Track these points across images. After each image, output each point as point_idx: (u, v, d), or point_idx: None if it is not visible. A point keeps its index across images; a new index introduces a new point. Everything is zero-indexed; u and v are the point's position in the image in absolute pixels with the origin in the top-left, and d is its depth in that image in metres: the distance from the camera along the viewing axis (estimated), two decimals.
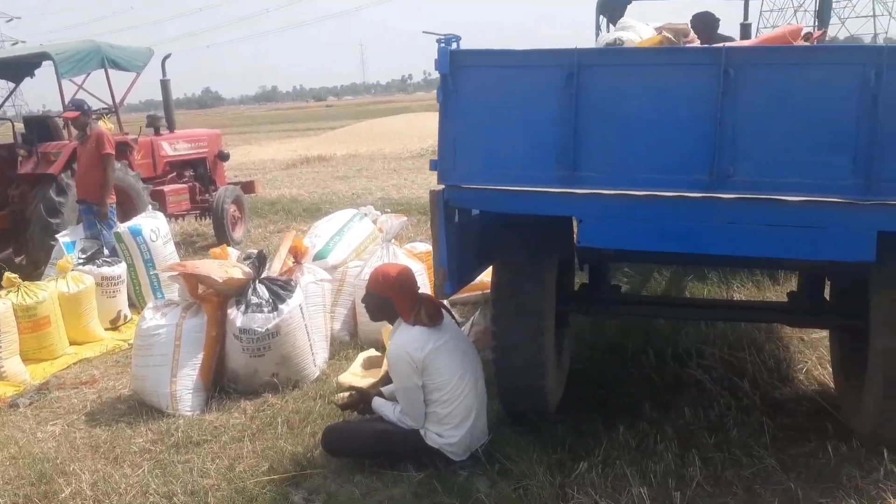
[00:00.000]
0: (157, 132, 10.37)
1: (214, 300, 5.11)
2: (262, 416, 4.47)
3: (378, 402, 3.88)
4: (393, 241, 6.14)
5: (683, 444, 3.80)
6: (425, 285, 5.70)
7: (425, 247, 6.48)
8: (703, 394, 4.38)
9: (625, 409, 4.25)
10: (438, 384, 3.55)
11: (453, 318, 3.92)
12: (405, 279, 3.78)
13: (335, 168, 20.53)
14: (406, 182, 16.06)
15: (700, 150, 3.19)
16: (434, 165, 3.61)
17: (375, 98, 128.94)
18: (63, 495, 3.72)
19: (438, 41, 3.43)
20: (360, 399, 4.04)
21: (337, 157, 23.60)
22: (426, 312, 3.62)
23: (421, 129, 26.85)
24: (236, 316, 4.95)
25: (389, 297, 3.72)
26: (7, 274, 6.18)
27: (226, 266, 5.30)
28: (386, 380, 4.25)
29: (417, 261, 6.03)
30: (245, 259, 5.56)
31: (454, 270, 3.60)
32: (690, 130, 3.22)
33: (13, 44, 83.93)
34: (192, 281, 5.15)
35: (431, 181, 13.72)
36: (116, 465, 4.03)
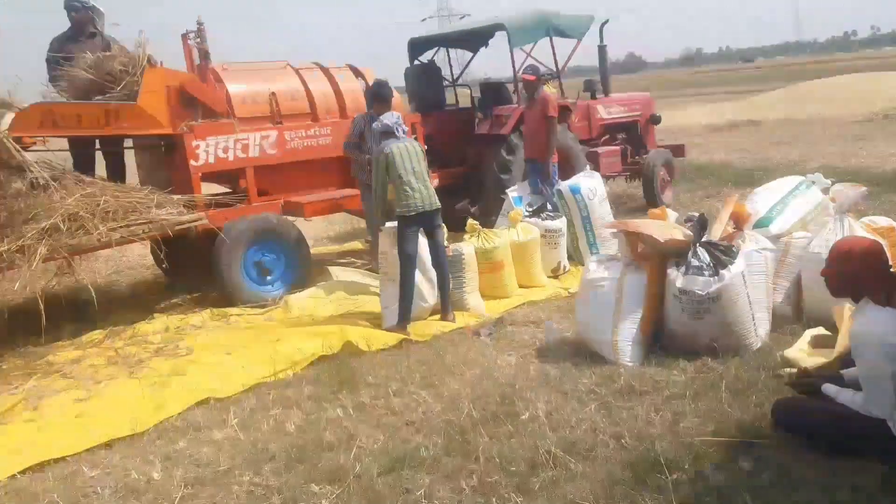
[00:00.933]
0: (593, 96, 10.86)
1: (655, 259, 5.26)
2: (703, 378, 4.51)
3: (831, 389, 3.63)
4: (847, 213, 5.62)
5: None
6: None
7: (887, 221, 5.83)
8: None
9: None
10: None
11: None
12: (875, 255, 3.48)
13: (767, 133, 19.31)
14: (852, 149, 14.45)
15: None
16: None
17: (812, 58, 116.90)
18: (523, 417, 4.22)
19: None
20: (808, 380, 3.85)
21: (769, 121, 22.15)
22: None
23: (870, 91, 23.78)
24: (676, 276, 5.03)
25: (857, 273, 3.45)
26: (471, 221, 7.12)
27: (666, 227, 5.41)
28: (841, 362, 3.97)
29: (879, 237, 5.43)
30: (685, 221, 5.60)
31: None
32: None
33: (461, 17, 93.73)
34: (634, 239, 5.36)
35: (885, 150, 12.23)
36: (566, 399, 4.43)
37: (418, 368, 5.18)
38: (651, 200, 10.43)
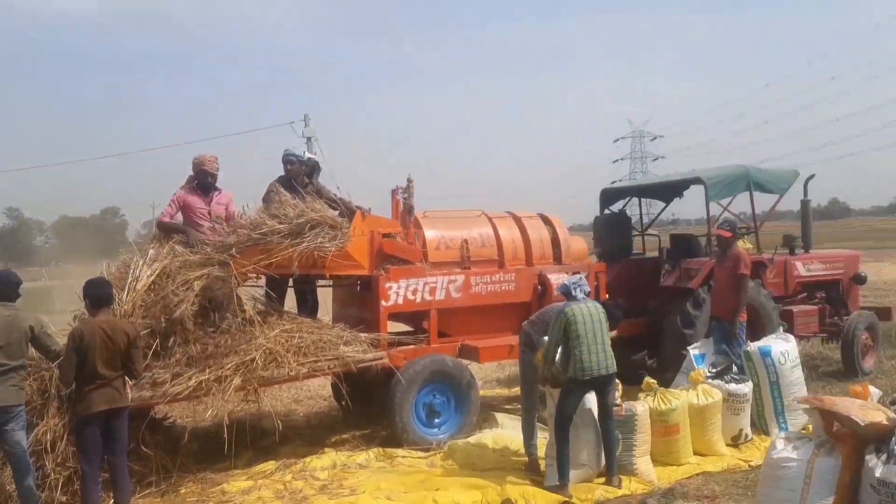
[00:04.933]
0: (791, 251, 10.32)
1: (851, 442, 4.74)
2: None
3: None
4: None
5: None
6: None
7: None
8: None
9: None
10: None
11: None
12: None
13: None
14: None
15: None
16: None
17: None
18: None
19: None
20: None
21: None
22: None
23: None
24: (876, 464, 4.49)
25: None
26: (647, 378, 6.85)
27: (868, 407, 4.89)
28: None
29: None
30: (890, 403, 5.05)
31: None
32: None
33: (654, 160, 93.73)
34: (829, 417, 4.89)
35: None
36: None
37: None
38: (850, 367, 9.54)
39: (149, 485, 6.25)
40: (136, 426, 6.03)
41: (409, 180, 8.14)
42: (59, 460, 5.77)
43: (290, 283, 7.89)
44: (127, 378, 5.56)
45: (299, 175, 8.06)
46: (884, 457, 4.50)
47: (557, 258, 8.68)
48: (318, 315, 8.02)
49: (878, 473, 4.44)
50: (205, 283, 6.63)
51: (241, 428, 6.36)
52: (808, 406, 5.16)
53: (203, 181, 7.64)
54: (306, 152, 8.36)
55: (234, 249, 6.87)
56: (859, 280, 10.56)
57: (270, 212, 7.18)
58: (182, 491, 6.29)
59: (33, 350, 5.77)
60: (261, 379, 6.42)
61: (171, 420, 7.34)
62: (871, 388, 5.25)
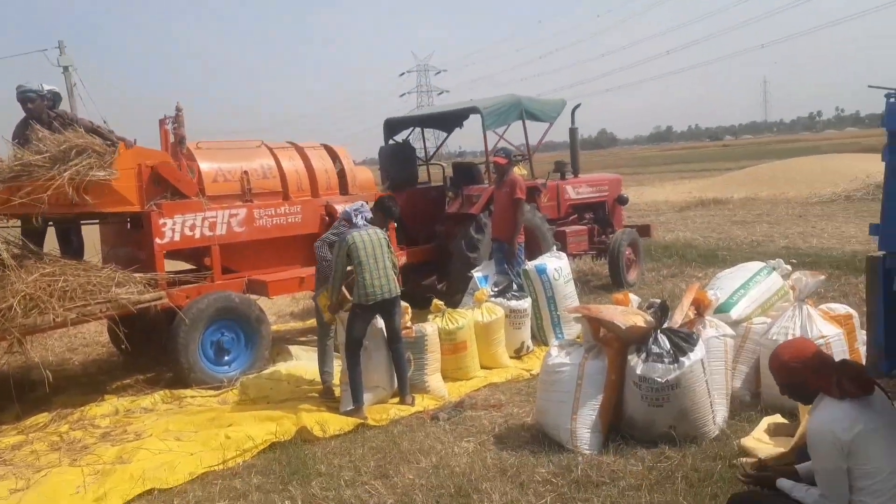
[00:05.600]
0: (562, 177, 11.02)
1: (616, 345, 5.23)
2: (660, 468, 4.43)
3: (786, 484, 3.56)
4: (806, 300, 5.66)
5: None
6: (843, 352, 5.18)
7: (844, 309, 5.85)
8: None
9: None
10: (867, 471, 3.16)
11: (885, 392, 3.46)
12: (809, 356, 3.44)
13: (732, 212, 19.66)
14: (814, 230, 14.72)
15: None
16: (874, 230, 3.26)
17: (778, 137, 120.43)
18: None
19: (888, 96, 3.11)
20: (764, 473, 3.78)
21: (734, 200, 22.58)
22: (850, 380, 3.27)
23: (832, 171, 24.35)
24: (637, 363, 5.00)
25: (802, 380, 3.44)
26: (435, 301, 7.08)
27: (628, 312, 5.39)
28: (797, 453, 3.92)
29: (835, 324, 5.48)
30: (647, 308, 5.60)
31: (893, 346, 3.20)
32: None
33: (439, 93, 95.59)
34: (596, 324, 5.35)
35: (846, 232, 12.52)
36: (522, 491, 4.32)
37: (373, 456, 5.05)
38: (616, 280, 10.49)
39: None
40: None
41: (179, 109, 7.64)
42: None
43: (49, 224, 7.18)
44: None
45: (42, 111, 7.26)
46: (643, 356, 5.01)
47: (344, 189, 8.62)
48: (85, 257, 7.39)
49: (638, 371, 4.95)
50: None
51: (3, 382, 5.74)
52: (577, 315, 5.59)
53: None
54: (43, 84, 7.49)
55: None
56: (622, 201, 11.53)
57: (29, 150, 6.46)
58: None
59: None
60: (22, 327, 5.84)
61: None
62: (631, 296, 5.80)
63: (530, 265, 7.96)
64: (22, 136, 6.91)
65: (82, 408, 6.43)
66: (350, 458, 5.03)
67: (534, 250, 8.98)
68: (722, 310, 5.90)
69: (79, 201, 6.45)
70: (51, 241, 7.29)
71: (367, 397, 6.01)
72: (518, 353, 7.43)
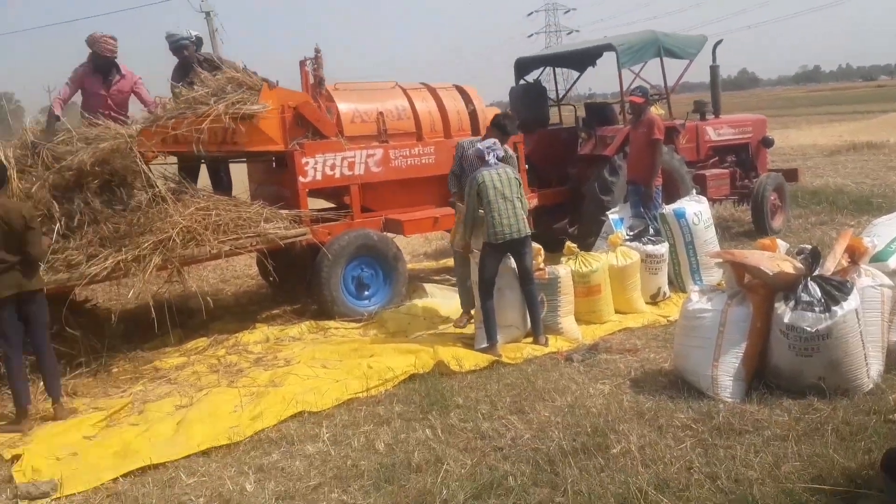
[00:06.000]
0: (702, 117, 10.54)
1: (761, 292, 5.03)
2: (808, 420, 4.27)
3: None
4: None
5: None
6: None
7: None
8: None
9: None
10: None
11: None
12: None
13: (888, 157, 18.21)
14: None
15: None
16: None
17: None
18: (614, 451, 4.11)
19: None
20: None
21: (890, 144, 20.89)
22: None
23: None
24: (784, 311, 4.79)
25: None
26: (568, 243, 7.04)
27: (776, 258, 5.17)
28: None
29: None
30: (797, 254, 5.35)
31: None
32: None
33: (568, 33, 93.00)
34: (740, 270, 5.15)
35: None
36: (661, 435, 4.29)
37: (508, 392, 5.15)
38: (760, 227, 10.03)
39: (78, 366, 6.14)
40: (56, 309, 5.83)
41: (317, 51, 7.82)
42: None
43: (202, 163, 7.62)
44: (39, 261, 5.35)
45: (193, 57, 7.63)
46: (791, 304, 4.80)
47: (475, 129, 8.62)
48: (234, 194, 7.81)
49: (786, 319, 4.74)
50: (101, 155, 6.28)
51: (168, 308, 6.24)
52: (720, 261, 5.41)
53: (97, 63, 7.15)
54: (190, 30, 7.83)
55: (141, 125, 6.59)
56: (767, 143, 10.94)
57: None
58: (114, 370, 6.23)
59: None
60: (181, 258, 6.28)
61: (92, 303, 7.14)
62: (779, 241, 5.54)
63: (668, 209, 7.72)
64: (183, 80, 7.28)
65: (236, 334, 6.90)
66: (486, 393, 5.15)
67: (672, 194, 8.70)
68: (879, 258, 5.56)
69: (232, 134, 6.80)
70: (202, 180, 7.74)
71: (500, 336, 6.10)
72: (654, 299, 7.28)
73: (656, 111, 9.30)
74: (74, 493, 4.09)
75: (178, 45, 7.58)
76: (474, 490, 3.75)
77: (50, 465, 4.40)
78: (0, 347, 5.27)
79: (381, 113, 7.91)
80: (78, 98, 7.38)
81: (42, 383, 5.39)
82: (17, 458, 4.57)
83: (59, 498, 4.07)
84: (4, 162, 5.72)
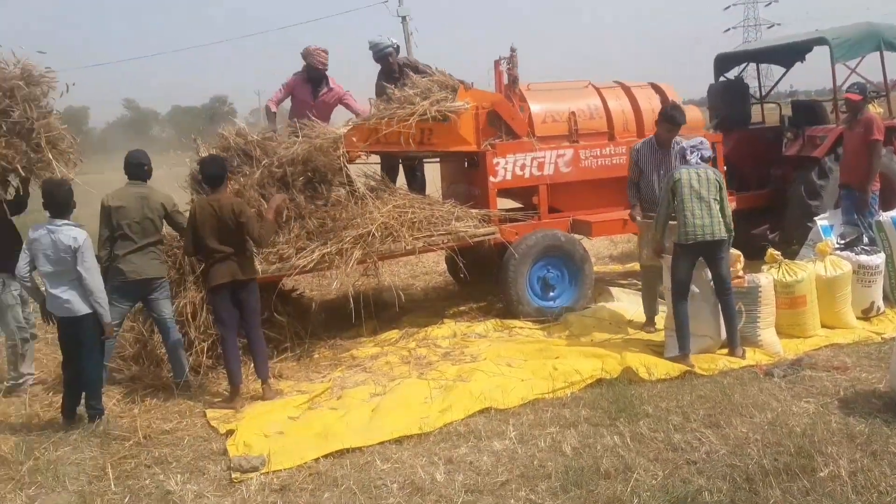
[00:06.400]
0: None
1: None
2: None
3: None
4: None
5: None
6: None
7: None
8: None
9: None
10: None
11: None
12: None
13: None
14: None
15: None
16: None
17: None
18: (821, 474, 3.83)
19: None
20: None
21: None
22: None
23: None
24: None
25: None
26: (771, 250, 6.62)
27: None
28: None
29: None
30: None
31: None
32: None
33: (769, 27, 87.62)
34: None
35: None
36: (875, 461, 3.95)
37: (702, 405, 4.94)
38: None
39: (284, 350, 6.63)
40: (267, 297, 6.33)
41: (513, 49, 7.91)
42: (200, 329, 6.19)
43: (399, 162, 7.96)
44: (254, 251, 5.81)
45: (395, 62, 7.96)
46: None
47: None
48: (427, 192, 8.08)
49: None
50: (310, 151, 6.70)
51: (363, 300, 6.58)
52: None
53: (310, 74, 7.67)
54: (389, 37, 8.17)
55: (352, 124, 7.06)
56: None
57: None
58: (315, 356, 6.67)
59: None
60: (379, 252, 6.58)
61: (298, 292, 7.69)
62: None
63: (885, 216, 7.08)
64: (389, 85, 7.62)
65: (426, 328, 7.13)
66: (678, 404, 4.98)
67: (890, 199, 7.97)
68: None
69: (430, 134, 7.08)
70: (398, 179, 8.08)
71: (693, 346, 5.86)
72: (866, 314, 6.68)
73: (874, 109, 8.52)
74: (280, 470, 4.40)
75: (382, 54, 7.95)
76: (667, 502, 3.64)
77: (259, 442, 4.75)
78: (217, 330, 5.84)
79: (572, 113, 7.86)
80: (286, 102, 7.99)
81: (252, 365, 5.86)
82: (230, 432, 4.99)
83: (267, 472, 4.38)
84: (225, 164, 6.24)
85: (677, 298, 5.88)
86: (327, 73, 7.88)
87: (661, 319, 6.63)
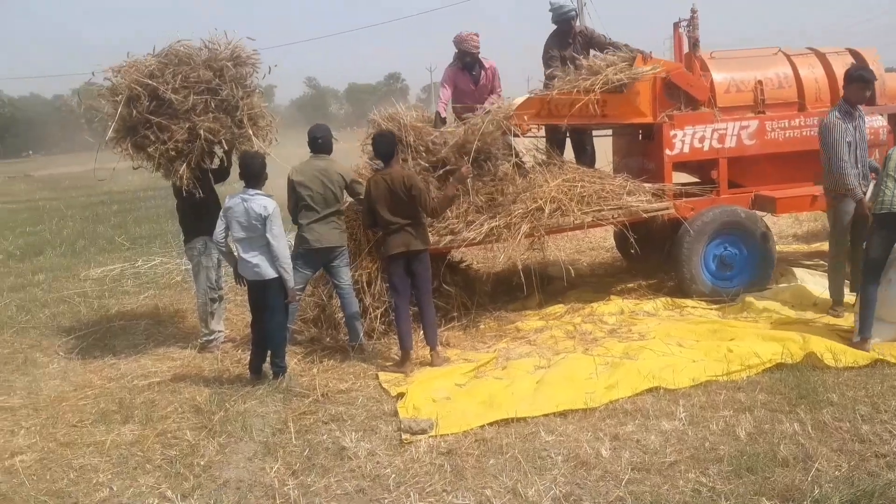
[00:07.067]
0: None
1: None
2: None
3: None
4: None
5: None
6: None
7: None
8: None
9: None
10: None
11: None
12: None
13: None
14: None
15: None
16: None
17: None
18: None
19: None
20: None
21: None
22: None
23: None
24: None
25: None
26: None
27: None
28: None
29: None
30: None
31: None
32: None
33: None
34: None
35: None
36: None
37: (894, 396, 4.55)
38: None
39: (451, 319, 6.82)
40: (437, 267, 6.51)
41: (694, 11, 7.54)
42: (375, 296, 6.49)
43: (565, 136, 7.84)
44: (426, 221, 5.98)
45: (574, 30, 7.80)
46: None
47: (871, 98, 7.61)
48: (597, 166, 7.92)
49: None
50: (469, 132, 6.72)
51: (529, 274, 6.60)
52: None
53: (464, 61, 7.67)
54: (572, 1, 7.97)
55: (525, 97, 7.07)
56: None
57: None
58: (481, 327, 6.80)
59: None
60: (547, 226, 6.56)
61: (466, 264, 7.84)
62: None
63: None
64: (561, 50, 7.55)
65: (592, 304, 7.06)
66: (867, 393, 4.62)
67: None
68: None
69: (603, 106, 6.97)
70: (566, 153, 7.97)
71: (885, 333, 5.39)
72: None
73: None
74: (447, 434, 4.54)
75: (567, 17, 7.77)
76: (852, 496, 3.40)
77: (427, 406, 4.93)
78: (390, 297, 6.10)
79: (759, 82, 7.40)
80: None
81: (422, 332, 6.06)
82: (401, 395, 5.21)
83: (434, 436, 4.53)
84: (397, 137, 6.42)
85: (867, 276, 5.44)
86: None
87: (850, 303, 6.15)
